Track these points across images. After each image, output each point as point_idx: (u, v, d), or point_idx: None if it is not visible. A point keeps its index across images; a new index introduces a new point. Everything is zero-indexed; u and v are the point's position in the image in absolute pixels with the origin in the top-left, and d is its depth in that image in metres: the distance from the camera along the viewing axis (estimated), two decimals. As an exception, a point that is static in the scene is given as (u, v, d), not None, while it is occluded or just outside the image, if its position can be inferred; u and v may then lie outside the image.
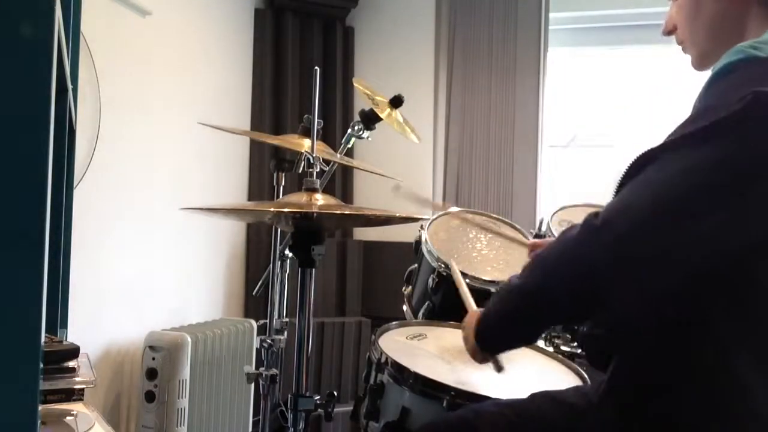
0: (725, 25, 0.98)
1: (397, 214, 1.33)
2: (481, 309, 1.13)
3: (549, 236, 1.94)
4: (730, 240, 0.83)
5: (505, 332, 1.08)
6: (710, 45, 1.00)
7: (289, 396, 1.32)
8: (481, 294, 1.73)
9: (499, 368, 1.18)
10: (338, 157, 1.65)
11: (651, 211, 0.83)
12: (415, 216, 1.41)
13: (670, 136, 0.87)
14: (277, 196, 1.67)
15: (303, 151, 1.53)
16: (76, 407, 1.20)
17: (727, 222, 0.81)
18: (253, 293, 1.84)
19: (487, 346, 1.11)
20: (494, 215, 2.04)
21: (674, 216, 0.82)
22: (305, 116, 1.53)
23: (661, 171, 0.85)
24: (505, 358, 1.17)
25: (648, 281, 0.86)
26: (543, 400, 1.12)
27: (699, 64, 1.04)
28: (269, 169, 1.72)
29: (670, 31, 1.08)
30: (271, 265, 1.71)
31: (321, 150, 1.52)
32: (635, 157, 0.89)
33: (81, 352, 1.26)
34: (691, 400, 0.88)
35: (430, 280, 1.75)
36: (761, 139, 0.80)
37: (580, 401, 1.09)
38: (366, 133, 1.71)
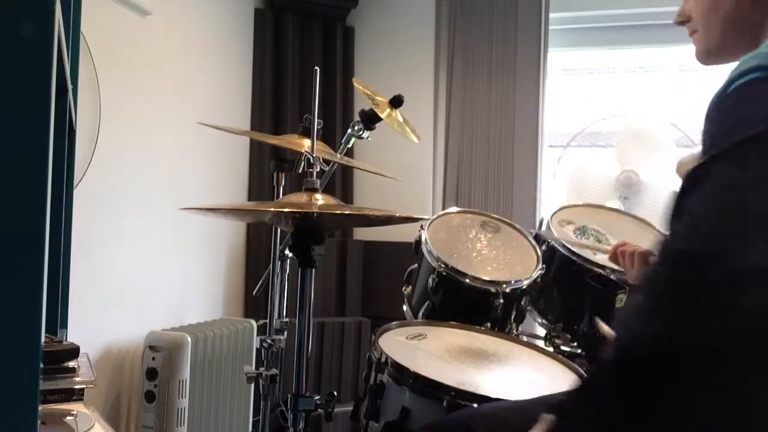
0: (743, 26, 0.94)
1: (397, 214, 1.33)
2: None
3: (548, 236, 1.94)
4: None
5: None
6: (721, 42, 0.98)
7: (289, 396, 1.32)
8: (481, 294, 1.73)
9: None
10: (338, 157, 1.65)
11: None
12: (415, 216, 1.41)
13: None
14: (277, 196, 1.67)
15: (303, 151, 1.53)
16: (76, 407, 1.20)
17: None
18: (253, 293, 1.84)
19: None
20: (494, 215, 2.04)
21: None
22: (305, 116, 1.53)
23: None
24: (505, 356, 1.16)
25: None
26: (543, 403, 1.11)
27: (705, 58, 1.01)
28: (269, 169, 1.72)
29: (682, 21, 1.05)
30: (271, 265, 1.71)
31: (321, 150, 1.51)
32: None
33: (81, 352, 1.26)
34: None
35: (430, 280, 1.75)
36: None
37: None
38: (366, 133, 1.71)
